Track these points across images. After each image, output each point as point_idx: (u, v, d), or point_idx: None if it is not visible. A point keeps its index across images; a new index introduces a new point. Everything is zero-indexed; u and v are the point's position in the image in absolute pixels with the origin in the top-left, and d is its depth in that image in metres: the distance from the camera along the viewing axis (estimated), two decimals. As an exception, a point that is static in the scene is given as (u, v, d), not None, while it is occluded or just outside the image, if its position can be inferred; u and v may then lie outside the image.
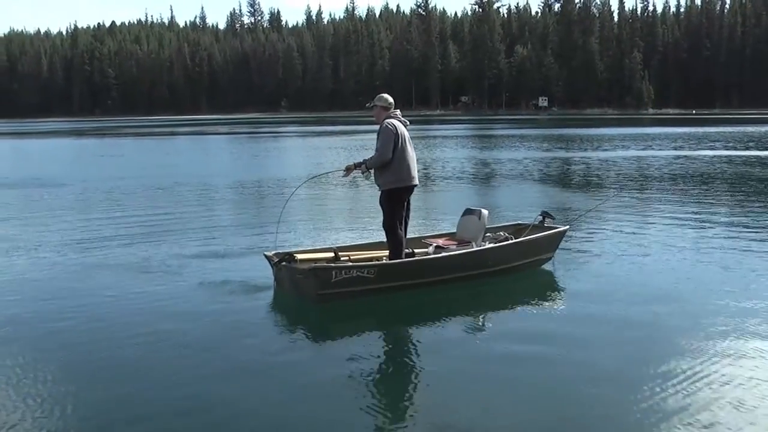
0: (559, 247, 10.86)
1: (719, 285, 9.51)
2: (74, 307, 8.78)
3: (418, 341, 7.77)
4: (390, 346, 7.77)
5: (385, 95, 9.78)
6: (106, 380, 6.45)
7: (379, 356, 7.28)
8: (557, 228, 10.81)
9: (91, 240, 13.31)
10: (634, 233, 13.31)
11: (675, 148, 39.57)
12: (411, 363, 7.16)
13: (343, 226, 14.68)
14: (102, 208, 18.01)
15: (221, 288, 9.56)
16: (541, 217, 11.09)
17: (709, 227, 14.06)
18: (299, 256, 9.38)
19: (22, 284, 10.14)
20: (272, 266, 9.31)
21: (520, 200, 18.66)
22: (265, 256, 9.52)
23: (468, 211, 10.59)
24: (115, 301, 9.08)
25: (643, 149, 39.07)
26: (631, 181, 23.19)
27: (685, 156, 33.63)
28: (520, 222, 11.57)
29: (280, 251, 9.48)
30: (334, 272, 8.77)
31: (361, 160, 9.79)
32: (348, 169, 9.80)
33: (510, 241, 10.37)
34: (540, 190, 21.57)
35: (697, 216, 15.45)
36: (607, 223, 14.24)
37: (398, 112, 9.68)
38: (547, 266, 10.63)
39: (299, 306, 9.05)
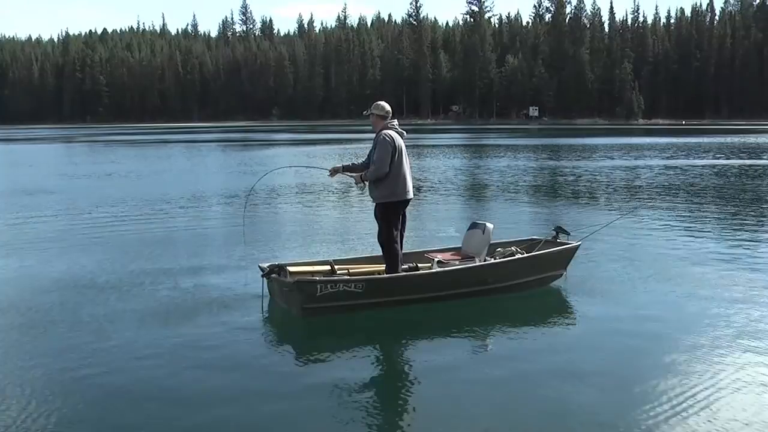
0: (571, 264, 10.40)
1: (742, 310, 8.94)
2: (58, 326, 8.47)
3: (406, 361, 7.59)
4: (377, 366, 7.52)
5: (382, 103, 9.57)
6: (93, 400, 6.36)
7: (364, 378, 6.99)
8: (568, 244, 10.44)
9: (68, 252, 13.08)
10: (652, 249, 12.91)
11: (674, 158, 39.58)
12: (398, 385, 6.94)
13: (341, 238, 14.46)
14: (81, 218, 17.75)
15: (209, 301, 9.44)
16: (554, 232, 10.80)
17: (730, 241, 13.80)
18: (294, 269, 9.26)
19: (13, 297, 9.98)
20: (262, 278, 9.21)
21: (529, 213, 18.49)
22: (260, 267, 9.42)
23: (473, 225, 10.34)
24: (94, 320, 8.68)
25: (642, 159, 38.99)
26: (643, 193, 22.79)
27: (688, 166, 33.60)
28: (534, 237, 11.23)
29: (275, 263, 9.35)
30: (319, 286, 8.57)
31: (350, 164, 9.70)
32: (334, 171, 9.65)
33: (512, 257, 10.01)
34: (548, 202, 21.08)
35: (715, 230, 15.24)
36: (621, 238, 13.78)
37: (395, 121, 9.48)
38: (557, 284, 10.25)
39: (286, 321, 8.89)
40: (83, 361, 7.25)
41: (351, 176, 9.63)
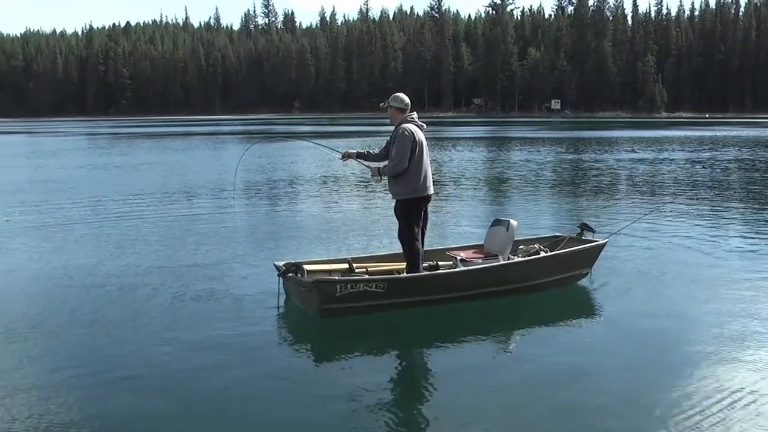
0: (597, 262, 10.10)
1: None
2: (66, 329, 8.19)
3: (427, 364, 7.40)
4: (396, 369, 7.34)
5: (401, 95, 9.16)
6: (105, 391, 6.33)
7: (383, 382, 6.83)
8: (594, 242, 10.11)
9: (73, 248, 12.79)
10: (679, 247, 12.55)
11: (697, 151, 39.08)
12: (417, 389, 6.77)
13: (359, 234, 14.10)
14: (91, 212, 17.50)
15: (222, 300, 9.23)
16: (579, 229, 10.49)
17: (758, 238, 13.47)
18: (311, 267, 8.97)
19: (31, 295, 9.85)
20: (279, 276, 8.91)
21: (552, 208, 18.15)
22: (275, 265, 9.18)
23: (496, 222, 9.99)
24: (100, 323, 8.40)
25: (665, 152, 38.52)
26: (667, 188, 22.42)
27: (712, 159, 33.20)
28: (557, 234, 10.95)
29: (291, 261, 9.09)
30: (338, 286, 8.29)
31: (364, 152, 9.32)
32: (347, 155, 9.24)
33: (537, 256, 9.72)
34: (571, 197, 20.68)
35: (742, 227, 14.90)
36: (649, 235, 13.43)
37: (415, 114, 9.12)
38: (582, 283, 9.94)
39: (304, 321, 8.64)
40: (93, 366, 7.01)
41: (367, 167, 9.33)
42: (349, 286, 8.33)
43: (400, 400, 6.50)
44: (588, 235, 10.43)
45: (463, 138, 57.93)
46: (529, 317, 8.85)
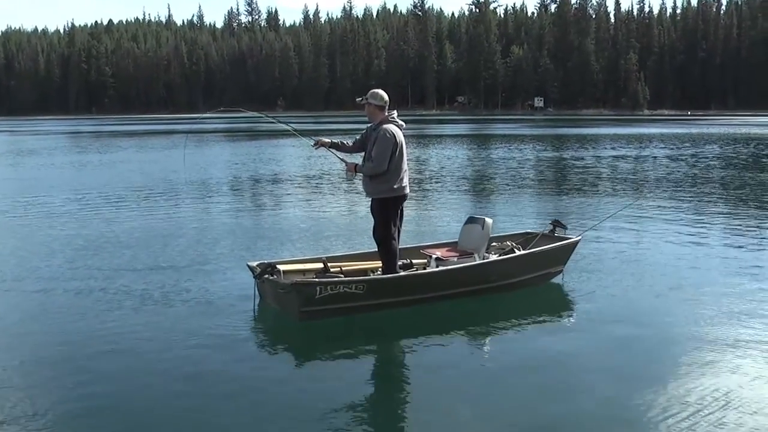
0: (570, 259, 10.12)
1: (745, 310, 8.67)
2: (42, 327, 8.10)
3: (410, 364, 7.37)
4: (381, 370, 7.32)
5: (380, 92, 8.95)
6: (73, 400, 6.16)
7: (368, 382, 6.89)
8: (568, 239, 10.13)
9: (38, 253, 12.12)
10: (653, 244, 12.58)
11: (678, 148, 39.30)
12: (400, 389, 6.80)
13: (334, 234, 13.86)
14: (60, 216, 16.67)
15: (193, 305, 8.93)
16: (551, 226, 10.46)
17: (732, 234, 13.57)
18: (285, 267, 8.78)
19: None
20: (254, 278, 8.68)
21: (527, 206, 18.14)
22: (248, 266, 8.92)
23: (471, 220, 9.94)
24: (76, 322, 8.25)
25: (646, 149, 38.72)
26: (645, 184, 22.53)
27: (691, 157, 33.43)
28: (528, 231, 10.92)
29: (264, 261, 8.88)
30: (318, 288, 8.12)
31: (338, 141, 9.22)
32: (319, 143, 9.09)
33: (515, 254, 9.72)
34: (547, 194, 20.69)
35: (717, 222, 14.98)
36: (623, 232, 13.50)
37: (395, 113, 8.95)
38: (556, 280, 9.97)
39: (281, 324, 8.46)
40: (50, 373, 6.80)
41: (341, 160, 9.26)
42: (329, 288, 8.18)
43: (382, 401, 6.53)
44: (560, 232, 10.42)
45: (445, 136, 58.04)
46: (507, 315, 8.79)
